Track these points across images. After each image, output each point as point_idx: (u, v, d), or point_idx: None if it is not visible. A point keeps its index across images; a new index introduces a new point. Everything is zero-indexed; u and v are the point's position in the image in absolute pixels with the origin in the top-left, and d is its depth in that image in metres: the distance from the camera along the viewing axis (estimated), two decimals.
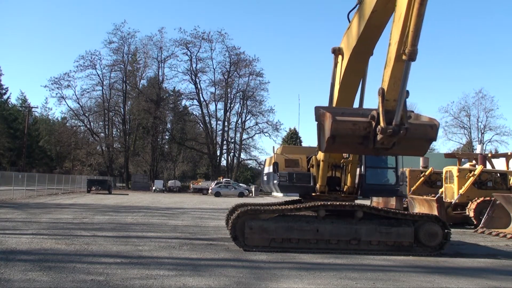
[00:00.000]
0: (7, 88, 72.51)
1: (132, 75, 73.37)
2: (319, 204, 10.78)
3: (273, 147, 14.62)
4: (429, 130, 8.07)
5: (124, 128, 71.87)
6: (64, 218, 17.10)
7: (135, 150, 74.73)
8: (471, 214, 17.80)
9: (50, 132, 75.96)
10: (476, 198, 18.17)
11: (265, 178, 14.62)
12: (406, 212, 11.75)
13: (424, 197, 18.80)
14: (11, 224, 14.78)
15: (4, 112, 67.88)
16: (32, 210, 20.97)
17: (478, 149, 23.78)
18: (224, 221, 14.26)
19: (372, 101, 8.95)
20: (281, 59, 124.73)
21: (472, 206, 17.88)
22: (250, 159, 76.43)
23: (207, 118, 72.65)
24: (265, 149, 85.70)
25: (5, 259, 8.63)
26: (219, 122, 73.84)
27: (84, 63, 67.09)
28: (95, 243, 10.96)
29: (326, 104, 10.47)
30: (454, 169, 19.94)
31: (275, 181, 12.53)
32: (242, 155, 76.14)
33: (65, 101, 68.43)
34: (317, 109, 8.66)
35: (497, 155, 25.97)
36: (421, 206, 18.04)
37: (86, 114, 70.99)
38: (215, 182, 55.98)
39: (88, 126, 71.85)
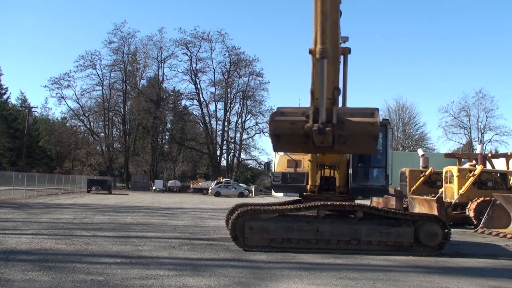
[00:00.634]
0: (7, 88, 72.86)
1: (132, 75, 73.36)
2: (319, 204, 10.76)
3: None
4: (369, 127, 7.96)
5: (124, 128, 71.88)
6: (64, 218, 17.10)
7: (135, 150, 74.74)
8: (471, 214, 17.79)
9: (50, 132, 75.88)
10: (476, 198, 18.15)
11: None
12: (406, 212, 11.74)
13: (424, 197, 18.79)
14: (11, 224, 14.78)
15: (4, 112, 67.93)
16: (32, 210, 20.96)
17: (478, 149, 23.76)
18: (224, 221, 14.25)
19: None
20: (281, 59, 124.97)
21: (472, 206, 17.87)
22: (250, 159, 76.64)
23: (207, 118, 72.78)
24: (265, 149, 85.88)
25: (5, 259, 8.63)
26: (219, 122, 73.99)
27: (84, 63, 67.28)
28: (95, 243, 10.96)
29: None
30: (454, 169, 19.93)
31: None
32: (242, 155, 76.32)
33: (65, 101, 68.64)
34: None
35: (497, 155, 25.99)
36: (421, 206, 18.04)
37: (86, 114, 71.09)
38: (215, 182, 55.94)
39: (88, 126, 71.89)
